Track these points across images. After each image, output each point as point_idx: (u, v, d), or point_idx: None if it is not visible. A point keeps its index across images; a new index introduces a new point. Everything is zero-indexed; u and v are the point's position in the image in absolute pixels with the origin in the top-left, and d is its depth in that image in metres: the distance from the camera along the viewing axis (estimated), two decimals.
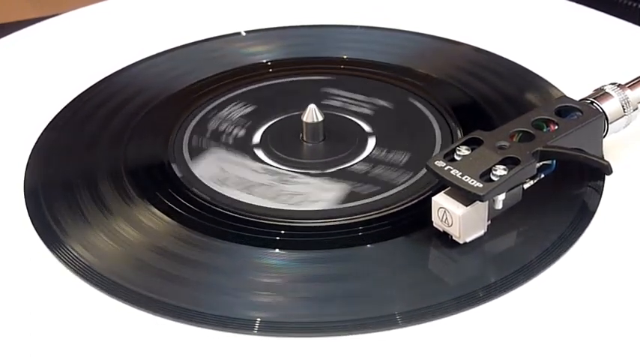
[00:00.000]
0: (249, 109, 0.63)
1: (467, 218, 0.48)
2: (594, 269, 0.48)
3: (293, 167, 0.57)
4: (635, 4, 0.79)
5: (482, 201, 0.48)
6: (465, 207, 0.48)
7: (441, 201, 0.49)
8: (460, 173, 0.48)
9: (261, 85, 0.66)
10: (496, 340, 0.44)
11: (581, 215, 0.52)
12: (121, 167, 0.57)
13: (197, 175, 0.56)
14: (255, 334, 0.45)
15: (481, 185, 0.48)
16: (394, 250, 0.50)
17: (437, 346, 0.44)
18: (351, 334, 0.45)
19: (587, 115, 0.53)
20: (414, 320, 0.45)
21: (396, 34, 0.73)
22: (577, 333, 0.45)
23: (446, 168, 0.49)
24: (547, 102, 0.54)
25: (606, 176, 0.54)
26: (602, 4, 0.76)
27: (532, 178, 0.50)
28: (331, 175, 0.56)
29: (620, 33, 0.71)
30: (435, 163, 0.50)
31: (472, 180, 0.48)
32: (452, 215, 0.48)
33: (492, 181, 0.48)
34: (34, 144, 0.60)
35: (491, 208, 0.49)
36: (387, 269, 0.49)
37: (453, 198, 0.49)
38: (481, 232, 0.50)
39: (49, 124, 0.62)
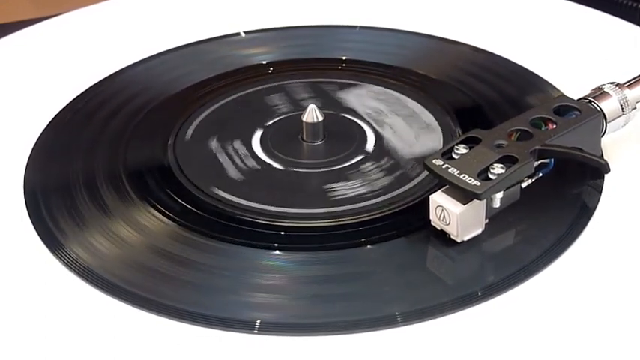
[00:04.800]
0: (248, 110, 0.63)
1: (464, 217, 0.48)
2: (594, 269, 0.48)
3: (292, 167, 0.57)
4: (635, 4, 0.79)
5: (479, 199, 0.48)
6: (462, 205, 0.48)
7: (439, 199, 0.49)
8: (458, 172, 0.48)
9: (261, 86, 0.66)
10: (496, 339, 0.44)
11: (581, 214, 0.52)
12: (120, 168, 0.57)
13: (197, 176, 0.56)
14: (255, 334, 0.45)
15: (479, 184, 0.48)
16: (394, 250, 0.50)
17: (437, 345, 0.44)
18: (351, 334, 0.45)
19: (585, 114, 0.53)
20: (414, 320, 0.45)
21: (396, 34, 0.73)
22: (576, 332, 0.45)
23: (444, 166, 0.49)
24: (545, 101, 0.54)
25: (605, 175, 0.54)
26: (602, 4, 0.76)
27: (530, 177, 0.50)
28: (330, 175, 0.56)
29: (620, 33, 0.71)
30: (433, 161, 0.50)
31: (470, 178, 0.48)
32: (450, 213, 0.48)
33: (490, 179, 0.48)
34: (34, 144, 0.60)
35: (489, 206, 0.49)
36: (386, 269, 0.49)
37: (451, 196, 0.49)
38: (479, 231, 0.50)
39: (49, 124, 0.62)
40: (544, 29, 0.73)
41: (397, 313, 0.46)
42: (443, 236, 0.50)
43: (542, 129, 0.52)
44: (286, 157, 0.58)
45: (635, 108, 0.55)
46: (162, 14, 0.77)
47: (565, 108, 0.53)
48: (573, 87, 0.60)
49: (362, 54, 0.70)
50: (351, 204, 0.53)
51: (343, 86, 0.66)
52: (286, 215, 0.53)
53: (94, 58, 0.71)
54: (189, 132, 0.61)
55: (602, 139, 0.54)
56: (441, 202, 0.49)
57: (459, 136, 0.58)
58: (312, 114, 0.59)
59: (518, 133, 0.52)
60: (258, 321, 0.46)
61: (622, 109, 0.54)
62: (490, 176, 0.48)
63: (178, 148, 0.59)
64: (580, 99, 0.54)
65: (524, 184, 0.50)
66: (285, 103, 0.64)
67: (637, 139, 0.57)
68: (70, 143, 0.60)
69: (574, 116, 0.53)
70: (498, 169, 0.49)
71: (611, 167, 0.52)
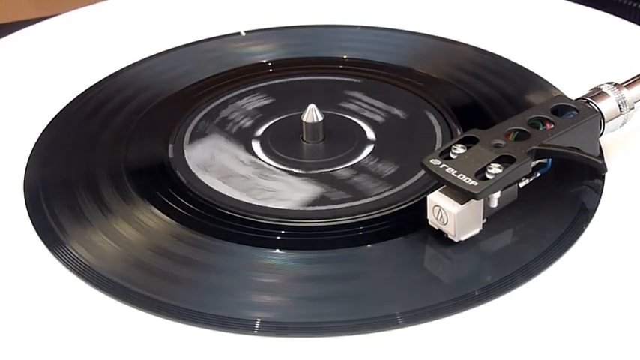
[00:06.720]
0: (248, 110, 0.63)
1: (462, 216, 0.48)
2: (593, 269, 0.48)
3: (291, 167, 0.57)
4: (635, 4, 0.79)
5: (476, 199, 0.48)
6: (460, 205, 0.48)
7: (437, 199, 0.49)
8: (455, 172, 0.49)
9: (261, 85, 0.66)
10: (494, 340, 0.44)
11: (581, 214, 0.52)
12: (121, 167, 0.57)
13: (197, 175, 0.56)
14: (255, 334, 0.45)
15: (476, 183, 0.48)
16: (393, 250, 0.50)
17: (436, 345, 0.44)
18: (351, 334, 0.45)
19: (583, 114, 0.53)
20: (413, 320, 0.45)
21: (396, 34, 0.73)
22: (576, 333, 0.45)
23: (441, 166, 0.49)
24: (543, 101, 0.55)
25: (605, 175, 0.54)
26: (602, 4, 0.76)
27: (528, 176, 0.50)
28: (330, 175, 0.56)
29: (620, 33, 0.71)
30: (431, 161, 0.50)
31: (467, 178, 0.48)
32: (447, 213, 0.48)
33: (487, 179, 0.48)
34: (34, 143, 0.60)
35: (486, 206, 0.49)
36: (386, 269, 0.49)
37: (449, 196, 0.49)
38: (476, 231, 0.50)
39: (49, 123, 0.62)
40: (544, 29, 0.73)
41: (397, 314, 0.46)
42: (441, 236, 0.50)
43: (540, 129, 0.52)
44: (286, 157, 0.58)
45: (633, 108, 0.55)
46: (162, 14, 0.78)
47: (563, 108, 0.53)
48: (573, 87, 0.60)
49: (362, 53, 0.70)
50: (350, 204, 0.53)
51: (343, 86, 0.66)
52: (286, 215, 0.53)
53: (94, 58, 0.71)
54: (190, 131, 0.61)
55: (601, 138, 0.55)
56: (438, 202, 0.49)
57: (459, 135, 0.58)
58: (312, 114, 0.59)
59: (516, 132, 0.52)
60: (258, 321, 0.46)
61: (620, 109, 0.54)
62: (487, 176, 0.48)
63: (179, 147, 0.59)
64: (578, 99, 0.54)
65: (521, 184, 0.51)
66: (285, 102, 0.64)
67: (636, 139, 0.57)
68: (71, 142, 0.61)
69: (572, 116, 0.53)
70: (496, 168, 0.49)
71: (610, 167, 0.52)
